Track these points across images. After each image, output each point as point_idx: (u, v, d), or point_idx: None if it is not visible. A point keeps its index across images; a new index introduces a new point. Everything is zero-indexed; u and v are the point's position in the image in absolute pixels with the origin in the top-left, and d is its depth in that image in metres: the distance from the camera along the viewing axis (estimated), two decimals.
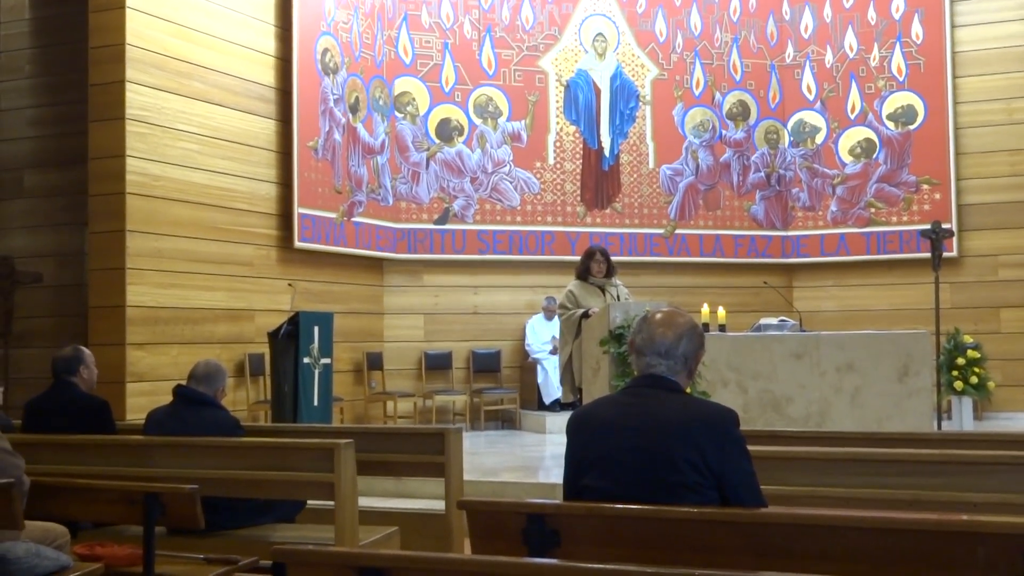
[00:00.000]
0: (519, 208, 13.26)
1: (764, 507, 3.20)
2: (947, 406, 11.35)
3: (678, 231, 13.83)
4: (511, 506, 3.40)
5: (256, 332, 10.14)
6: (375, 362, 12.27)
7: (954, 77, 13.13)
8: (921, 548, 2.83)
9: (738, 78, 14.10)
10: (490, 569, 2.47)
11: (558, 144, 13.47)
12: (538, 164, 13.38)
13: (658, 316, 3.37)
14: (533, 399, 12.79)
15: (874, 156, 13.60)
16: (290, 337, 8.97)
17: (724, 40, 14.07)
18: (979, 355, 11.21)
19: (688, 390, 3.44)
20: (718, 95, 14.03)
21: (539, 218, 13.35)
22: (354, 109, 11.95)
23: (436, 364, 12.76)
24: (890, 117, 13.52)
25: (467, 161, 13.08)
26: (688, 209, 13.87)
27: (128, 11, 8.98)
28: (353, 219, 11.87)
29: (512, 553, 3.14)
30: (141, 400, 8.51)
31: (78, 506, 4.74)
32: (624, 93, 13.73)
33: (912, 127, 13.39)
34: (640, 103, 13.79)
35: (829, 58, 13.92)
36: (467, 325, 13.04)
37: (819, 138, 13.93)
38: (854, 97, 13.74)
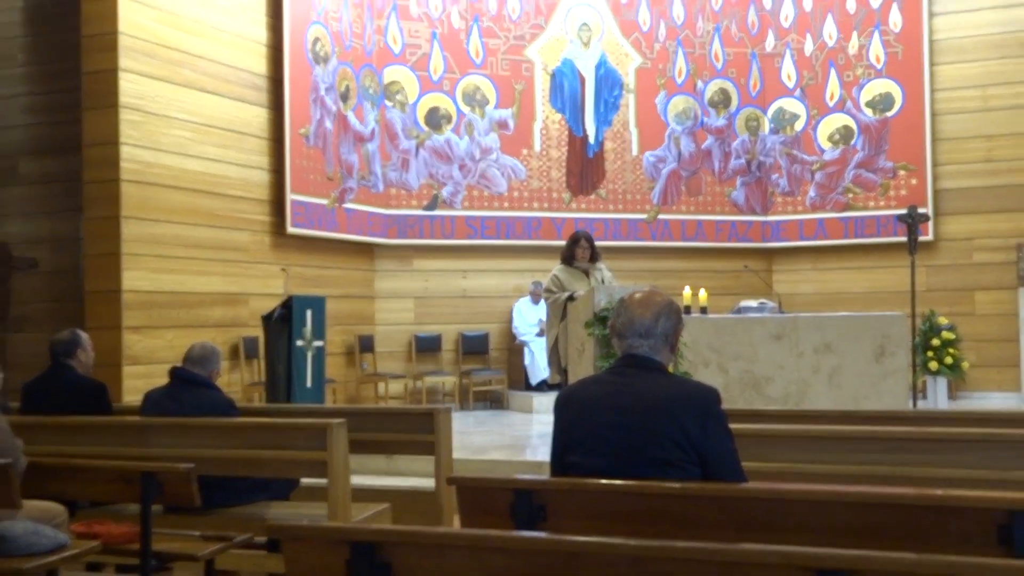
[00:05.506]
0: (506, 194, 13.38)
1: (745, 482, 3.28)
2: (922, 386, 11.49)
3: (661, 216, 13.95)
4: (499, 482, 3.50)
5: (250, 316, 10.19)
6: (367, 344, 12.37)
7: (931, 65, 13.20)
8: (897, 522, 2.94)
9: (719, 67, 14.20)
10: (479, 543, 2.51)
11: (544, 132, 13.57)
12: (525, 151, 13.49)
13: (635, 297, 3.44)
14: (520, 380, 12.93)
15: (852, 143, 13.72)
16: (283, 321, 8.99)
17: (706, 29, 14.15)
18: (954, 336, 11.41)
19: (671, 368, 3.55)
20: (700, 83, 14.11)
21: (526, 204, 13.47)
22: (344, 97, 12.04)
23: (426, 346, 12.87)
24: (868, 104, 13.63)
25: (455, 148, 13.19)
26: (671, 195, 14.00)
27: (120, 0, 8.99)
28: (344, 205, 11.97)
29: (500, 528, 3.21)
30: (137, 382, 8.55)
31: (76, 486, 4.78)
32: (608, 81, 13.84)
33: (889, 114, 13.50)
34: (624, 91, 13.89)
35: (809, 47, 14.03)
36: (456, 308, 13.15)
37: (798, 125, 14.04)
38: (833, 85, 13.84)
